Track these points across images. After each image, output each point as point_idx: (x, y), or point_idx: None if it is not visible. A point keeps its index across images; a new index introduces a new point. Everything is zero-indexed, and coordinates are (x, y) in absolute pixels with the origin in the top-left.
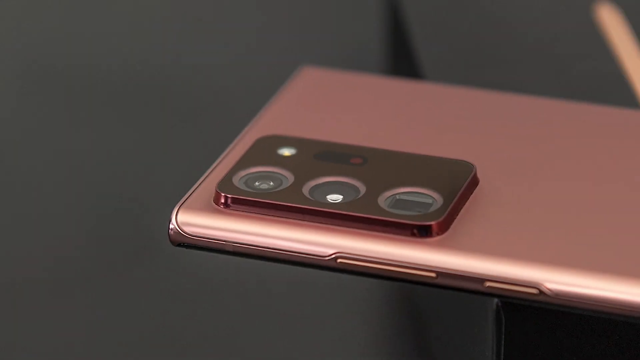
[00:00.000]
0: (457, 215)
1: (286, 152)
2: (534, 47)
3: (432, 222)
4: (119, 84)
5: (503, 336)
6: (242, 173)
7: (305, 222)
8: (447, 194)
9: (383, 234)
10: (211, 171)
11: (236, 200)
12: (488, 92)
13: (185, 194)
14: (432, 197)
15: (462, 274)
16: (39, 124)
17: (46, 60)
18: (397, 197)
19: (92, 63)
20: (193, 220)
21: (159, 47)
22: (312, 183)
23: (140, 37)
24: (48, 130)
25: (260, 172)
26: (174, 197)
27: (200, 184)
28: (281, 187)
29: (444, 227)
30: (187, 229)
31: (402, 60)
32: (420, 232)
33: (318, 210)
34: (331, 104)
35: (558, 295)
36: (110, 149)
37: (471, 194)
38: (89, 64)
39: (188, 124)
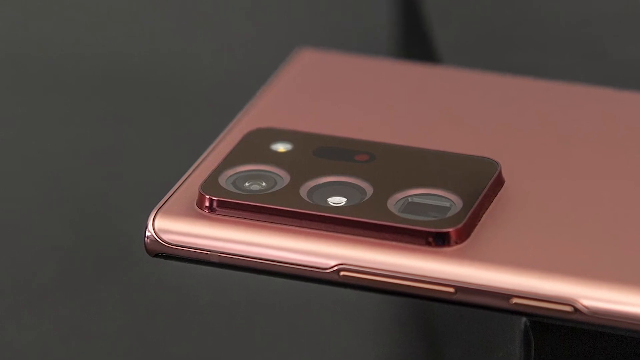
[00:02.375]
0: (479, 220)
1: (281, 147)
2: (565, 28)
3: (450, 229)
4: (92, 73)
5: None
6: (230, 172)
7: (302, 229)
8: (468, 196)
9: (393, 243)
10: (193, 170)
11: (223, 204)
12: (513, 77)
13: (164, 196)
14: (450, 200)
15: (484, 288)
16: (7, 119)
17: (18, 50)
18: (410, 199)
19: (66, 53)
20: (173, 227)
21: (140, 34)
22: (311, 184)
23: (120, 22)
24: (16, 125)
25: (250, 170)
26: (153, 199)
27: (181, 185)
28: (275, 188)
29: (464, 234)
30: (166, 237)
31: (415, 43)
32: (436, 240)
33: (318, 215)
34: (333, 91)
35: (596, 313)
36: (83, 146)
37: (495, 196)
38: (61, 54)
39: (171, 116)
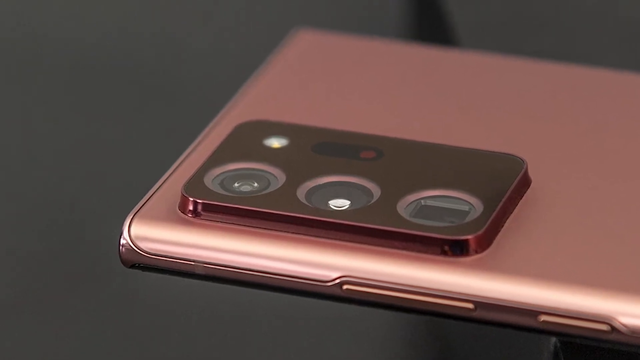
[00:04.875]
0: (502, 226)
1: (275, 142)
2: (596, 8)
3: (469, 236)
4: (61, 59)
5: None
6: (217, 171)
7: (300, 236)
8: (489, 199)
9: (403, 252)
10: (175, 168)
11: (209, 207)
12: (539, 62)
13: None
14: (468, 203)
15: (508, 304)
16: None
17: None
18: (423, 202)
19: (31, 36)
20: (151, 233)
21: (115, 14)
22: (310, 184)
23: (93, 2)
24: None
25: (240, 169)
26: (130, 202)
27: (161, 186)
28: (269, 190)
29: (485, 242)
30: (144, 245)
31: (428, 23)
32: (453, 249)
33: (317, 220)
34: (335, 78)
35: (635, 332)
36: (51, 143)
37: (521, 198)
38: (26, 38)
39: (150, 107)
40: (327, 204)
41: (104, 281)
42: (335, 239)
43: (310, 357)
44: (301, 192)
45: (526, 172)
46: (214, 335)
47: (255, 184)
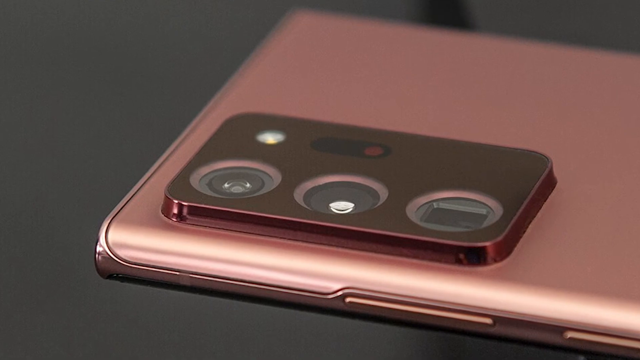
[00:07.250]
0: (524, 232)
1: (270, 138)
2: None
3: (487, 243)
4: (32, 42)
5: None
6: (205, 170)
7: (298, 243)
8: (509, 201)
9: (414, 261)
10: (158, 167)
11: (195, 210)
12: (563, 48)
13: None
14: (486, 206)
15: (530, 319)
16: None
17: None
18: (435, 205)
19: (7, 16)
20: (131, 240)
21: None
22: (309, 185)
23: None
24: None
25: (231, 168)
26: (107, 204)
27: (142, 186)
28: (262, 191)
29: (505, 250)
30: (123, 253)
31: (442, 4)
32: (469, 257)
33: (317, 225)
34: (336, 65)
35: None
36: (18, 136)
37: (545, 200)
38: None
39: (130, 98)
40: (328, 207)
41: (78, 294)
42: (337, 246)
43: None
44: (299, 194)
45: (551, 172)
46: (201, 355)
47: (248, 185)
